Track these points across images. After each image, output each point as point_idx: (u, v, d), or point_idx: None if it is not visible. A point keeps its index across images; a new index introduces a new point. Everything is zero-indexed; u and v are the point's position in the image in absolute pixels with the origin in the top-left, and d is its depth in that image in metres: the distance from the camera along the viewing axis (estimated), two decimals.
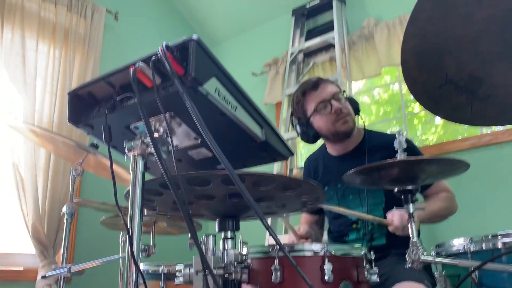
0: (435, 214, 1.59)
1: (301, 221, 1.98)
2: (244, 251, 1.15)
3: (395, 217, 1.42)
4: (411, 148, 1.69)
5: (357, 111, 1.80)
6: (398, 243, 1.50)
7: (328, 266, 1.04)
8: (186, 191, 0.92)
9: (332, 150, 1.87)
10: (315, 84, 1.78)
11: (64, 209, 1.77)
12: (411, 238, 1.13)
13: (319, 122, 1.76)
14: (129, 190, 0.81)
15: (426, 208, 1.54)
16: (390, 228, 1.43)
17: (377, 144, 1.74)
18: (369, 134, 1.82)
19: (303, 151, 3.38)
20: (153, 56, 0.75)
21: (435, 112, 1.24)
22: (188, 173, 0.88)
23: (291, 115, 1.88)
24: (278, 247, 1.07)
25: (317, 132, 1.78)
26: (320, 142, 1.90)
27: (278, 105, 3.27)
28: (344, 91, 1.80)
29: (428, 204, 1.63)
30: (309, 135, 1.79)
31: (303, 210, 1.85)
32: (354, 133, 1.78)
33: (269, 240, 2.61)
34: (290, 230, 1.68)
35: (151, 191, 0.98)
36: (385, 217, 1.59)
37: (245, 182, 0.91)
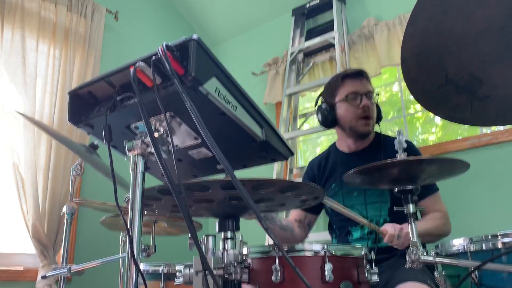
0: (427, 232, 1.55)
1: (290, 217, 1.96)
2: (244, 251, 1.15)
3: (389, 227, 1.41)
4: (412, 151, 1.70)
5: (379, 118, 1.83)
6: None
7: (328, 266, 1.04)
8: (186, 195, 0.93)
9: (343, 146, 1.89)
10: (359, 74, 1.80)
11: (64, 209, 1.78)
12: (411, 238, 1.13)
13: (344, 110, 1.78)
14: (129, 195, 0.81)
15: (418, 227, 1.53)
16: (385, 239, 1.41)
17: (388, 146, 1.74)
18: (383, 137, 1.83)
19: (303, 151, 3.38)
20: (153, 56, 0.75)
21: (435, 112, 1.24)
22: (187, 182, 0.89)
23: (320, 94, 1.91)
24: (277, 247, 1.07)
25: (336, 119, 1.81)
26: (327, 144, 1.91)
27: (278, 104, 3.27)
28: (377, 94, 1.82)
29: (420, 222, 1.60)
30: (328, 119, 1.82)
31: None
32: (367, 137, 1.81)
33: (269, 240, 2.61)
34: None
35: (150, 197, 0.98)
36: (390, 217, 1.58)
37: (245, 186, 0.92)
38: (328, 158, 1.93)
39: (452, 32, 1.05)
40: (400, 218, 1.55)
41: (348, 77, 1.80)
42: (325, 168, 1.91)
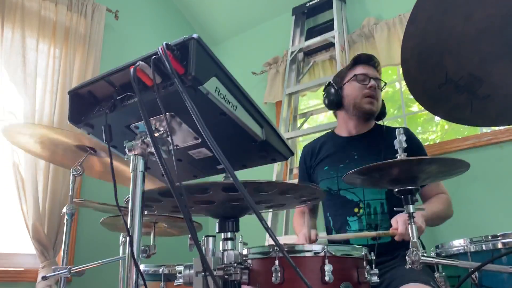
0: (436, 215, 1.58)
1: (296, 209, 1.98)
2: (244, 252, 1.15)
3: (400, 224, 1.40)
4: (414, 141, 1.71)
5: (383, 114, 1.86)
6: (403, 240, 1.49)
7: (328, 267, 1.04)
8: (186, 197, 0.92)
9: (343, 130, 1.90)
10: (372, 59, 1.86)
11: (64, 210, 1.77)
12: (411, 238, 1.13)
13: (351, 88, 1.83)
14: (129, 197, 0.81)
15: (427, 209, 1.53)
16: (396, 237, 1.40)
17: (389, 134, 1.74)
18: (382, 126, 1.85)
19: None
20: (154, 55, 0.75)
21: (435, 112, 1.24)
22: (187, 183, 0.89)
23: (330, 81, 1.95)
24: (277, 248, 1.07)
25: (341, 100, 1.85)
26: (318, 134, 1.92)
27: (278, 104, 3.27)
28: (385, 84, 1.86)
29: (429, 205, 1.62)
30: (333, 100, 1.87)
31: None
32: (369, 120, 1.84)
33: (269, 241, 2.61)
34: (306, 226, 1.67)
35: (150, 198, 0.98)
36: (387, 201, 1.58)
37: (246, 188, 0.91)
38: (324, 143, 1.94)
39: (452, 31, 1.05)
40: (397, 201, 1.55)
41: (360, 62, 1.86)
42: (319, 151, 1.92)
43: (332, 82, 1.91)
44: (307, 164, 1.94)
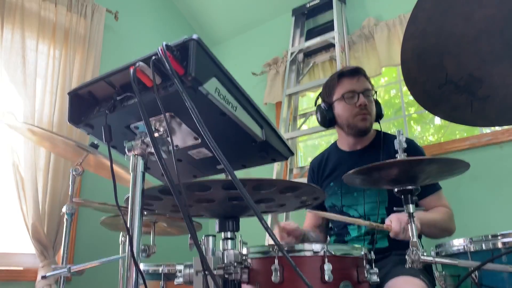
0: (433, 223, 1.54)
1: (304, 223, 1.94)
2: (244, 251, 1.15)
3: (393, 222, 1.38)
4: (414, 149, 1.70)
5: (379, 116, 1.82)
6: (401, 245, 1.49)
7: (328, 266, 1.04)
8: (186, 195, 0.93)
9: (344, 144, 1.89)
10: (355, 72, 1.80)
11: (64, 209, 1.77)
12: (411, 238, 1.13)
13: (341, 109, 1.78)
14: (129, 196, 0.81)
15: (424, 214, 1.52)
16: (391, 234, 1.38)
17: (390, 144, 1.72)
18: (383, 135, 1.81)
19: (303, 151, 3.38)
20: (153, 56, 0.75)
21: (435, 112, 1.24)
22: (188, 182, 0.89)
23: (319, 94, 1.92)
24: (277, 247, 1.07)
25: (334, 118, 1.82)
26: (326, 145, 1.90)
27: (278, 104, 3.27)
28: (376, 92, 1.82)
29: (426, 213, 1.60)
30: (326, 119, 1.83)
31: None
32: (367, 133, 1.80)
33: (269, 240, 2.61)
34: (276, 224, 1.66)
35: (151, 196, 0.98)
36: (388, 216, 1.58)
37: (245, 186, 0.91)
38: (328, 157, 1.93)
39: (452, 32, 1.05)
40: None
41: (345, 75, 1.80)
42: (325, 167, 1.90)
43: (321, 98, 1.88)
44: (314, 180, 1.93)
